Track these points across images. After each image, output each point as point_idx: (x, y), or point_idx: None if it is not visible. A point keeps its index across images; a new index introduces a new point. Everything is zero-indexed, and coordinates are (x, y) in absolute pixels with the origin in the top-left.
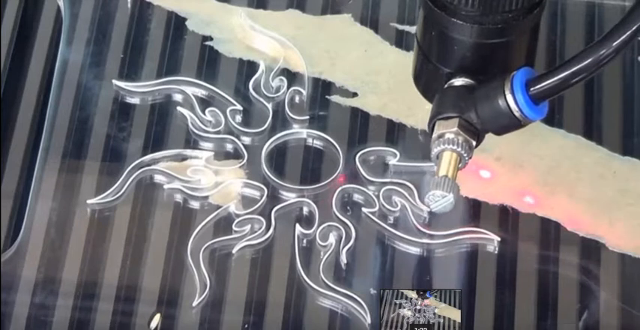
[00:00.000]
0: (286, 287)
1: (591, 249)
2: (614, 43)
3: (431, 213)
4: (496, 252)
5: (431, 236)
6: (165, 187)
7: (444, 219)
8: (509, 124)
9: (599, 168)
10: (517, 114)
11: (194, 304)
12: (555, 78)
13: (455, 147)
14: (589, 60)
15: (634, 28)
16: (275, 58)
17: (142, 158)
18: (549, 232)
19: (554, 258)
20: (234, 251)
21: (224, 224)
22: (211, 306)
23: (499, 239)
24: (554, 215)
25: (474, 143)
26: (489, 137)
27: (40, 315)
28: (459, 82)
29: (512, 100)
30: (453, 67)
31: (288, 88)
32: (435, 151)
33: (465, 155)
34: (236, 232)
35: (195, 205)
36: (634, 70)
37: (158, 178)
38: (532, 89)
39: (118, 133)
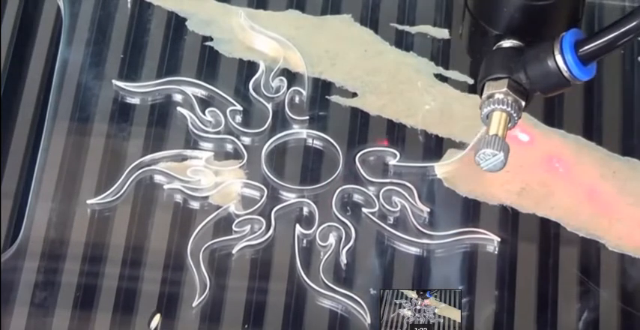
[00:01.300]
0: (286, 287)
1: (591, 249)
2: None
3: (431, 213)
4: (496, 252)
5: (431, 236)
6: (165, 187)
7: (444, 219)
8: (557, 83)
9: (599, 168)
10: (566, 74)
11: (194, 304)
12: (604, 39)
13: (504, 107)
14: (636, 21)
15: None
16: (275, 58)
17: (142, 158)
18: (549, 232)
19: (554, 258)
20: (234, 251)
21: (224, 224)
22: (211, 306)
23: (499, 239)
24: (554, 215)
25: (523, 103)
26: None
27: (40, 315)
28: (507, 43)
29: (561, 61)
30: (501, 29)
31: (288, 88)
32: (484, 111)
33: (515, 115)
34: (236, 232)
35: (195, 205)
36: (634, 71)
37: (158, 178)
38: (581, 50)
39: (118, 134)
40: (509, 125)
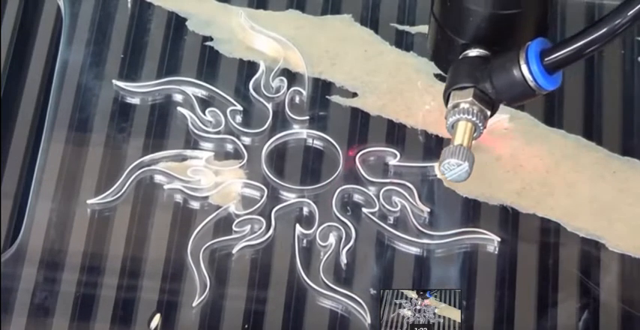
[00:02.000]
0: (286, 287)
1: (591, 249)
2: (630, 13)
3: (431, 213)
4: (496, 252)
5: (431, 236)
6: (166, 187)
7: (444, 219)
8: (523, 93)
9: (598, 168)
10: (532, 84)
11: (194, 304)
12: (570, 48)
13: (470, 117)
14: (604, 30)
15: None
16: (275, 58)
17: (142, 158)
18: (549, 232)
19: (554, 258)
20: (234, 251)
21: (224, 224)
22: (211, 306)
23: (499, 239)
24: (554, 215)
25: (489, 113)
26: (489, 138)
27: (40, 315)
28: (473, 52)
29: (526, 70)
30: (468, 38)
31: (288, 88)
32: (450, 120)
33: (480, 125)
34: (236, 232)
35: (195, 205)
36: (634, 71)
37: (158, 178)
38: (546, 59)
39: (118, 134)
40: (475, 135)
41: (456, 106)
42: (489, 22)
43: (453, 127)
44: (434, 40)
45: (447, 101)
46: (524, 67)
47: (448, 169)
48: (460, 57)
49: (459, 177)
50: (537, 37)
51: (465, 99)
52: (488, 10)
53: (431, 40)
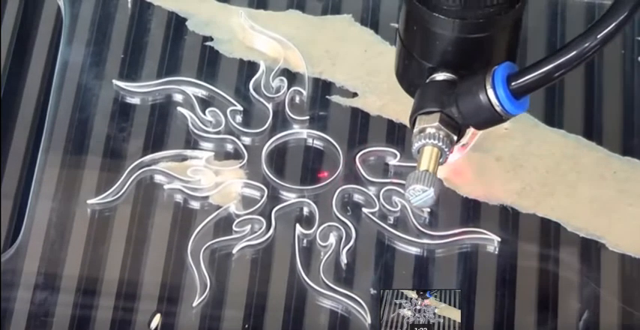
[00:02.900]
0: (286, 287)
1: (591, 249)
2: (598, 36)
3: (431, 213)
4: (496, 252)
5: (431, 236)
6: (166, 187)
7: (445, 219)
8: (490, 118)
9: (599, 168)
10: (498, 109)
11: (194, 304)
12: (537, 73)
13: (436, 142)
14: (572, 54)
15: (617, 21)
16: (275, 58)
17: (142, 158)
18: (549, 232)
19: (555, 258)
20: (234, 251)
21: (224, 224)
22: (211, 306)
23: (499, 239)
24: (554, 215)
25: (455, 138)
26: (489, 138)
27: (40, 315)
28: (440, 76)
29: (493, 95)
30: (434, 62)
31: (289, 88)
32: (416, 145)
33: (446, 150)
34: (236, 232)
35: (195, 205)
36: (634, 71)
37: (158, 178)
38: (513, 84)
39: (118, 134)
40: (441, 160)
41: (422, 130)
42: (456, 46)
43: (418, 152)
44: (401, 64)
45: (412, 126)
46: (490, 92)
47: (414, 195)
48: (427, 81)
49: (425, 203)
50: (505, 61)
51: (431, 124)
52: (454, 34)
53: (398, 63)
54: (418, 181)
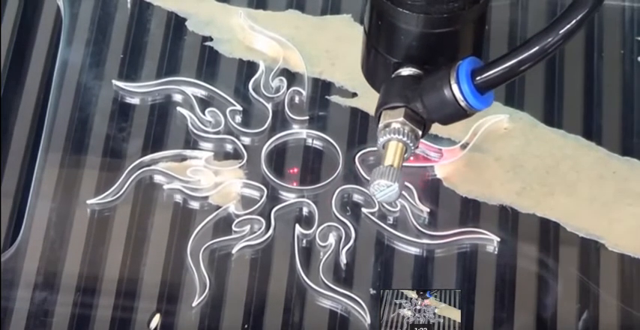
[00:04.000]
0: (286, 287)
1: (591, 249)
2: (561, 31)
3: (430, 213)
4: (496, 252)
5: (430, 236)
6: (165, 187)
7: (444, 219)
8: (454, 113)
9: (598, 168)
10: (462, 103)
11: (194, 304)
12: (500, 67)
13: (401, 137)
14: (535, 48)
15: (580, 15)
16: (275, 58)
17: (142, 158)
18: (549, 232)
19: (554, 258)
20: (233, 251)
21: (224, 224)
22: (211, 306)
23: (499, 239)
24: (553, 215)
25: (420, 133)
26: (488, 138)
27: (40, 315)
28: (406, 71)
29: (457, 90)
30: (400, 57)
31: (288, 88)
32: (381, 140)
33: (411, 145)
34: (236, 232)
35: (194, 205)
36: (633, 71)
37: (158, 178)
38: (477, 79)
39: (118, 134)
40: (406, 155)
41: (387, 125)
42: (421, 41)
43: (383, 147)
44: (366, 59)
45: (378, 121)
46: (454, 87)
47: (378, 190)
48: (392, 76)
49: (389, 198)
50: (472, 56)
51: (395, 119)
52: (419, 29)
53: (363, 58)
54: (382, 176)
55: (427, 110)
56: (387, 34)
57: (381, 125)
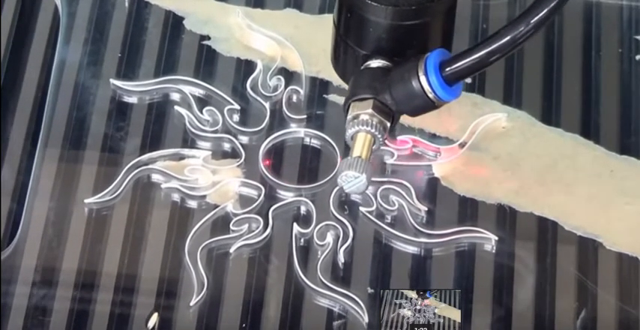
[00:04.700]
0: (284, 286)
1: (588, 248)
2: (531, 21)
3: (428, 212)
4: (493, 251)
5: (428, 235)
6: (163, 186)
7: (442, 218)
8: (423, 105)
9: (596, 167)
10: (430, 95)
11: (192, 303)
12: (469, 59)
13: (369, 128)
14: (505, 39)
15: (552, 5)
16: (272, 57)
17: (140, 157)
18: (547, 231)
19: (552, 257)
20: (231, 250)
21: (221, 223)
22: (209, 305)
23: (496, 238)
24: (551, 214)
25: (389, 124)
26: (486, 136)
27: (38, 314)
28: (375, 63)
29: (425, 82)
30: (369, 49)
31: (286, 87)
32: (349, 132)
33: (379, 136)
34: (233, 231)
35: (192, 204)
36: (631, 69)
37: (155, 177)
38: (447, 70)
39: (116, 133)
40: (374, 147)
41: (356, 117)
42: (389, 33)
43: (352, 139)
44: (336, 51)
45: (347, 112)
46: (422, 79)
47: (346, 182)
48: (361, 68)
49: (357, 189)
50: (440, 48)
51: (364, 110)
52: (388, 21)
53: (333, 50)
54: (350, 167)
55: (396, 102)
56: (356, 27)
57: (349, 117)
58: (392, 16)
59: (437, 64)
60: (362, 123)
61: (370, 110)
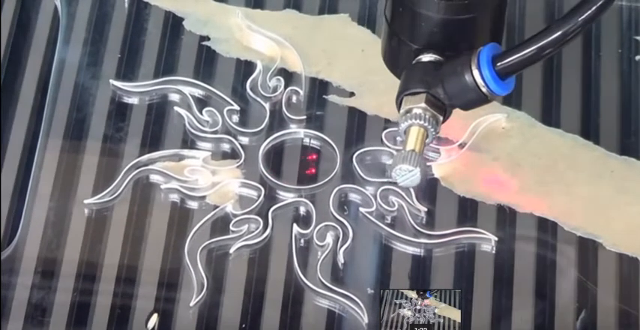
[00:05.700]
0: (284, 287)
1: (588, 248)
2: (580, 18)
3: (428, 213)
4: (493, 252)
5: (428, 236)
6: (163, 187)
7: (442, 219)
8: (475, 99)
9: (596, 167)
10: (484, 89)
11: (191, 303)
12: (521, 53)
13: (422, 122)
14: (555, 35)
15: (600, 3)
16: (272, 57)
17: (139, 158)
18: (546, 231)
19: (552, 257)
20: (231, 251)
21: (221, 224)
22: (209, 306)
23: (496, 239)
24: (551, 215)
25: (441, 118)
26: (486, 137)
27: (38, 315)
28: (426, 57)
29: (478, 76)
30: (420, 43)
31: (286, 87)
32: (402, 126)
33: (432, 130)
34: (233, 232)
35: (192, 205)
36: (631, 70)
37: (155, 178)
38: (498, 64)
39: (116, 133)
40: (427, 140)
41: (409, 111)
42: (441, 27)
43: (405, 133)
44: (387, 46)
45: (399, 107)
46: (475, 73)
47: (400, 175)
48: (413, 62)
49: (412, 182)
50: (491, 42)
51: (417, 104)
52: (440, 16)
53: (384, 45)
54: (404, 160)
55: (448, 96)
56: (408, 21)
57: (402, 111)
58: (444, 11)
59: (489, 59)
60: (415, 117)
61: (423, 104)
